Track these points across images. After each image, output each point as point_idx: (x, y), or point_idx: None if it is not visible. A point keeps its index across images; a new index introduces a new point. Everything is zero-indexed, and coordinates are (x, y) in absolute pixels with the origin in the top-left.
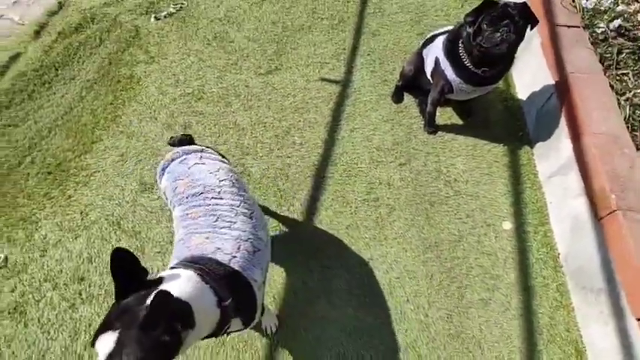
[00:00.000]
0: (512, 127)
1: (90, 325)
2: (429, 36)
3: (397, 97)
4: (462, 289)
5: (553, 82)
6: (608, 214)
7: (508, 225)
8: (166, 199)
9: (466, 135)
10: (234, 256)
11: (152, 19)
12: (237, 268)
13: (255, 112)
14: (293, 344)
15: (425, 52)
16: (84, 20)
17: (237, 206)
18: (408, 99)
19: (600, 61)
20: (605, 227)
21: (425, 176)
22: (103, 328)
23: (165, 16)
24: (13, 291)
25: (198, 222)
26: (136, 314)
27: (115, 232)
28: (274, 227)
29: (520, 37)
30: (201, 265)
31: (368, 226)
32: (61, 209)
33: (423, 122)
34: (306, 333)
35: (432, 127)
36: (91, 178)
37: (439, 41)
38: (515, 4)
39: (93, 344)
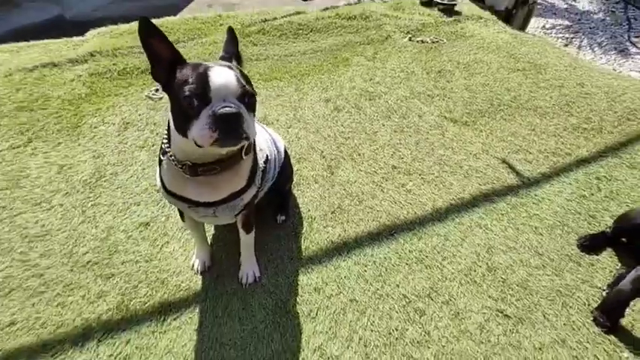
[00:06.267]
0: None
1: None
2: None
3: (592, 244)
4: None
5: None
6: None
7: None
8: None
9: None
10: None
11: (406, 39)
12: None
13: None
14: None
15: None
16: (363, 15)
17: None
18: (608, 259)
19: None
20: None
21: None
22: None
23: (417, 41)
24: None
25: None
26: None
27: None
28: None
29: None
30: None
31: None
32: None
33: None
34: None
35: (607, 318)
36: None
37: None
38: None
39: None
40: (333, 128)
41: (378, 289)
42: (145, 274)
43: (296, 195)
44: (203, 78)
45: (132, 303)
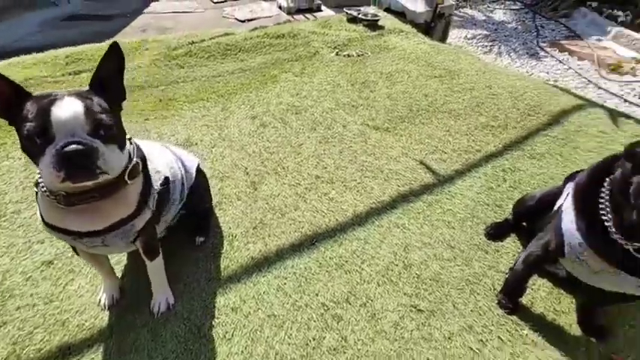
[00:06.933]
0: None
1: None
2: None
3: (497, 232)
4: None
5: None
6: None
7: None
8: None
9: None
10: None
11: (334, 54)
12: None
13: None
14: None
15: (568, 186)
16: (292, 33)
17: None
18: (512, 244)
19: None
20: None
21: None
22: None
23: (344, 55)
24: None
25: None
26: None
27: None
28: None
29: None
30: None
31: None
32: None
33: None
34: None
35: (508, 300)
36: (144, 124)
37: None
38: None
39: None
40: (259, 144)
41: (296, 301)
42: (42, 317)
43: (217, 214)
44: (44, 113)
45: (24, 352)
